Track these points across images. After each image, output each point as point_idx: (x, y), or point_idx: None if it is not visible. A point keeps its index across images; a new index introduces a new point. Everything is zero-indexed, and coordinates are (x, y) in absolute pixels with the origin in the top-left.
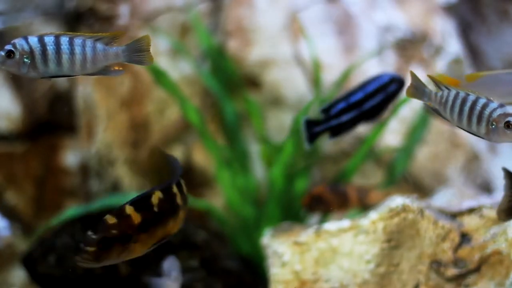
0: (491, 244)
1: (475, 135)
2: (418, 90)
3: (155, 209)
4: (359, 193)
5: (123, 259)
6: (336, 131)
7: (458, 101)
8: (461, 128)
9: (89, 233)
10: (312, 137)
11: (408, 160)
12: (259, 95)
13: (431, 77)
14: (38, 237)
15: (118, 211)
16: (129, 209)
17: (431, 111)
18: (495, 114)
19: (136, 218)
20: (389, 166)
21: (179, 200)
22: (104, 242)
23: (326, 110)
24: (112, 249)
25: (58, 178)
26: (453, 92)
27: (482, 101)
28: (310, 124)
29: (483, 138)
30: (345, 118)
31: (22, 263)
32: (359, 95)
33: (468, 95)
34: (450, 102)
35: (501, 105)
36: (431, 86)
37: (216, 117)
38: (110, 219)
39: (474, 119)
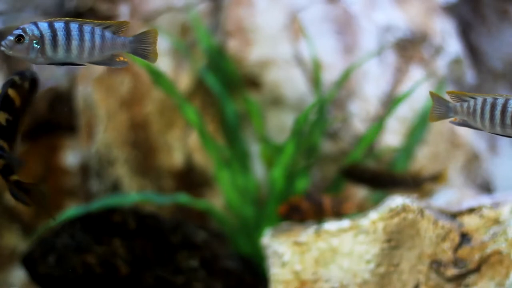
0: (491, 244)
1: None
2: (442, 110)
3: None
4: (333, 203)
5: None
6: None
7: (487, 107)
8: (496, 134)
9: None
10: None
11: (408, 160)
12: (259, 95)
13: (451, 93)
14: (38, 237)
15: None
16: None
17: (459, 125)
18: None
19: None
20: (389, 166)
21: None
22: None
23: None
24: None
25: (58, 178)
26: (479, 100)
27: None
28: None
29: None
30: None
31: (22, 263)
32: None
33: (496, 99)
34: (478, 110)
35: None
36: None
37: (216, 117)
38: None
39: (508, 121)
